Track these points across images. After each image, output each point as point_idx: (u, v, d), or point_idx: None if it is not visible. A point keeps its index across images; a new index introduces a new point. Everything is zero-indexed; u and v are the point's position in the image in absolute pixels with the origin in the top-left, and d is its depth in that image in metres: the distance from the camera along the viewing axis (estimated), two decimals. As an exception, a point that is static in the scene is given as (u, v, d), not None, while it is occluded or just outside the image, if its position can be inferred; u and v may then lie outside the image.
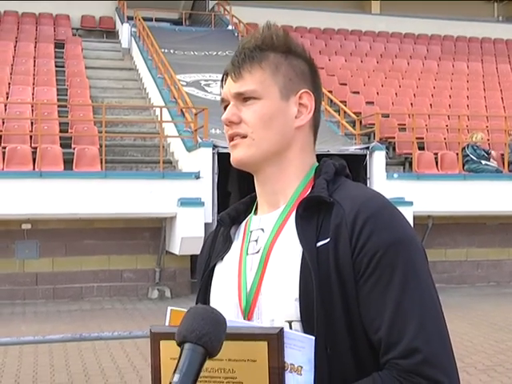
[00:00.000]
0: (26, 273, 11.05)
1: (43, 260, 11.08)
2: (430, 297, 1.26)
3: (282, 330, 1.20)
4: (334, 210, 1.31)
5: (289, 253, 1.32)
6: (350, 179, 1.43)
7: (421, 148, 13.20)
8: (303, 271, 1.28)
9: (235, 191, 11.93)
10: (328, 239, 1.29)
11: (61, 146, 11.61)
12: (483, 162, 12.70)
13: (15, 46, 16.51)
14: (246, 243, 1.41)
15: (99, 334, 5.46)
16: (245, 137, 1.37)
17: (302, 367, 1.22)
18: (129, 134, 13.49)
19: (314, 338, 1.22)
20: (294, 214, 1.36)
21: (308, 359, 1.21)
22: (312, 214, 1.33)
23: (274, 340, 1.19)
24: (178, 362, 1.10)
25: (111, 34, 20.03)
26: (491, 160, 12.92)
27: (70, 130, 12.28)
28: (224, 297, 1.40)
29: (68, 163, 11.18)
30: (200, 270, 1.51)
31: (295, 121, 1.40)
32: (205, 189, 10.62)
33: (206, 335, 1.11)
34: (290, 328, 1.27)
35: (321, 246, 1.29)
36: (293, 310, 1.28)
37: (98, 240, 11.22)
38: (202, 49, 17.01)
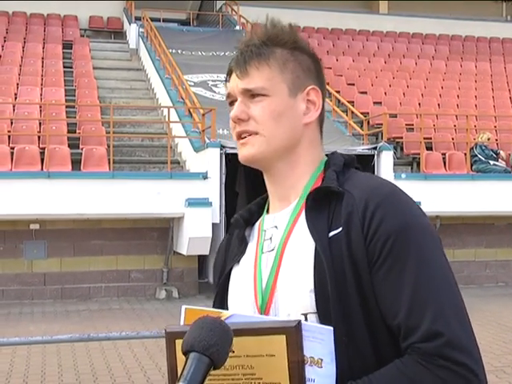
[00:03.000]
0: (34, 273, 11.08)
1: (51, 260, 11.11)
2: (446, 279, 1.26)
3: (299, 322, 1.19)
4: (345, 199, 1.31)
5: (302, 246, 1.32)
6: (361, 171, 1.42)
7: (429, 148, 13.17)
8: (317, 262, 1.28)
9: (243, 191, 11.90)
10: (340, 228, 1.28)
11: (69, 146, 11.64)
12: (491, 162, 12.66)
13: (23, 47, 16.57)
14: (260, 242, 1.41)
15: (107, 335, 5.47)
16: (256, 134, 1.36)
17: (322, 360, 1.20)
18: (136, 134, 13.53)
19: (332, 328, 1.21)
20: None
21: (328, 351, 1.20)
22: (322, 205, 1.33)
23: (293, 333, 1.17)
24: (183, 370, 1.10)
25: (119, 34, 20.06)
26: (499, 160, 12.89)
27: (77, 131, 12.31)
28: (241, 297, 1.40)
29: (76, 164, 11.22)
30: (216, 275, 1.51)
31: (304, 117, 1.39)
32: (212, 189, 10.62)
33: (214, 346, 1.10)
34: (306, 321, 1.26)
35: (333, 235, 1.29)
36: (308, 302, 1.28)
37: (105, 240, 11.24)
38: (210, 49, 17.01)
